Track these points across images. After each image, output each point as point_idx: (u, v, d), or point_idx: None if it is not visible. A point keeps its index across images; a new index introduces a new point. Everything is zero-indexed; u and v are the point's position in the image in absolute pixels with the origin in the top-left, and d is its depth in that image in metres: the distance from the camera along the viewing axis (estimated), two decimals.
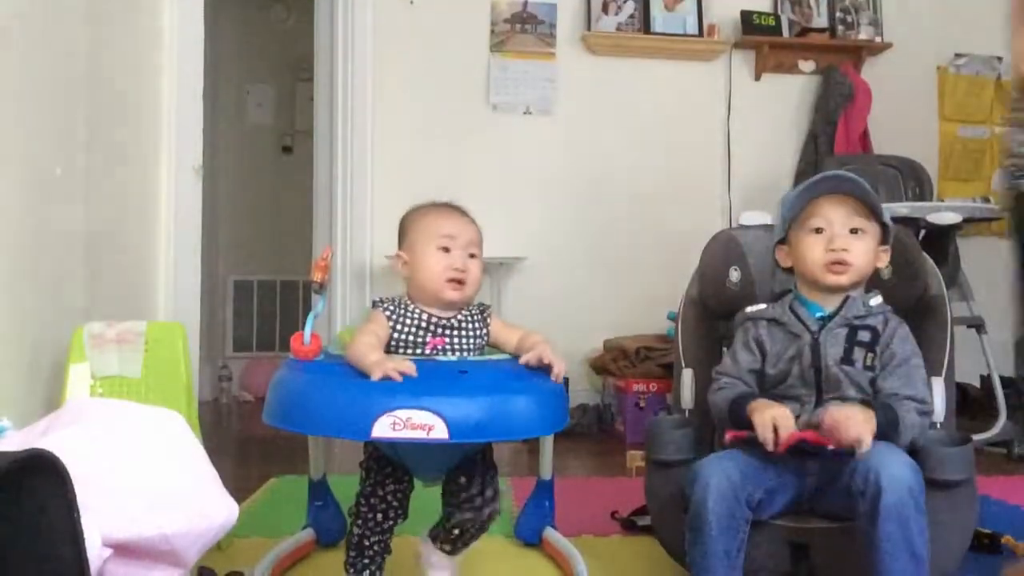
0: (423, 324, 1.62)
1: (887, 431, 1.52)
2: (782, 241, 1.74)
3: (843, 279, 1.64)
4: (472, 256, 1.63)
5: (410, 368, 1.42)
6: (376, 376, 1.41)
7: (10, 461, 0.88)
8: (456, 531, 1.66)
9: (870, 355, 1.61)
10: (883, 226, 1.67)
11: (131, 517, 1.03)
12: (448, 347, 1.62)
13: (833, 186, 1.67)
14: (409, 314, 1.62)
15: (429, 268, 1.61)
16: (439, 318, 1.63)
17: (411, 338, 1.61)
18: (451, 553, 1.69)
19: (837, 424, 1.48)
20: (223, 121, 5.05)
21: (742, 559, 1.52)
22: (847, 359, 1.61)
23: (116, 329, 2.00)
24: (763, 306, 1.73)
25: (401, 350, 1.60)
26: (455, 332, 1.64)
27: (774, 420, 1.51)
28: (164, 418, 1.21)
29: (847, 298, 1.66)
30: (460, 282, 1.61)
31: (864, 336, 1.62)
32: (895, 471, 1.45)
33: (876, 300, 1.67)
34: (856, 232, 1.64)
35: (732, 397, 1.65)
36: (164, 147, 2.91)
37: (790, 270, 1.74)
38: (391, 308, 1.62)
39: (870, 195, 1.65)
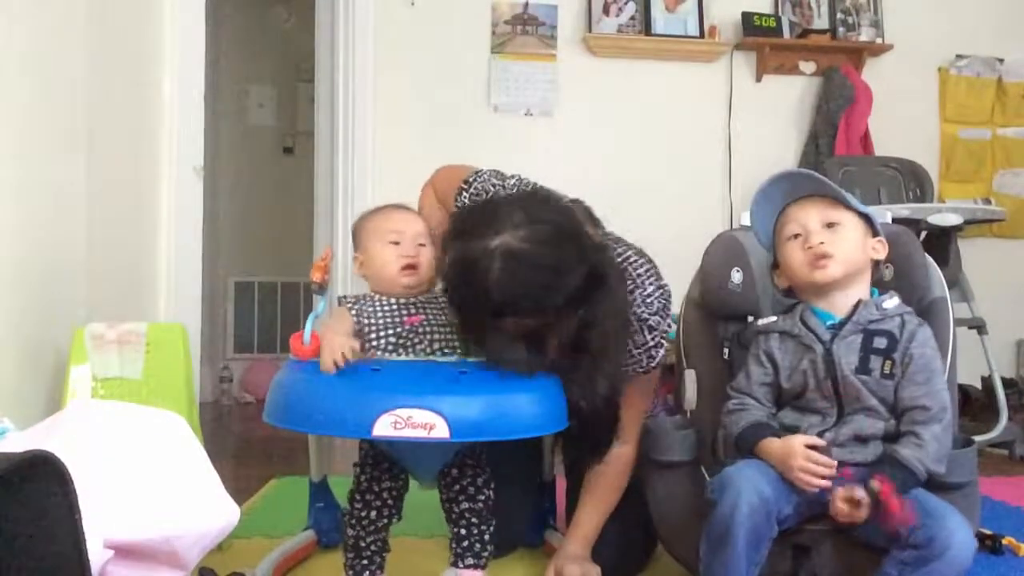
0: (394, 306, 1.67)
1: (909, 487, 1.49)
2: (776, 265, 1.70)
3: (829, 272, 1.58)
4: (422, 245, 1.70)
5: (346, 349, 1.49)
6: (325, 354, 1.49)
7: (12, 462, 0.88)
8: (463, 530, 1.64)
9: (888, 363, 1.54)
10: (865, 217, 1.64)
11: (132, 519, 1.03)
12: (426, 323, 1.65)
13: (792, 187, 1.65)
14: (377, 303, 1.68)
15: (383, 261, 1.69)
16: (407, 299, 1.69)
17: (387, 319, 1.65)
18: (477, 565, 1.64)
19: (843, 513, 1.47)
20: (224, 122, 5.04)
21: (758, 573, 1.50)
22: (863, 368, 1.55)
23: (117, 330, 1.99)
24: (774, 318, 1.69)
25: (381, 332, 1.64)
26: (429, 309, 1.68)
27: (802, 470, 1.50)
28: (165, 420, 1.21)
29: (859, 303, 1.60)
30: (413, 267, 1.68)
31: (880, 342, 1.56)
32: (962, 552, 1.40)
33: (892, 302, 1.61)
34: (832, 226, 1.61)
35: (742, 428, 1.61)
36: (165, 147, 2.90)
37: (789, 291, 1.70)
38: (351, 302, 1.69)
39: (830, 187, 1.63)
